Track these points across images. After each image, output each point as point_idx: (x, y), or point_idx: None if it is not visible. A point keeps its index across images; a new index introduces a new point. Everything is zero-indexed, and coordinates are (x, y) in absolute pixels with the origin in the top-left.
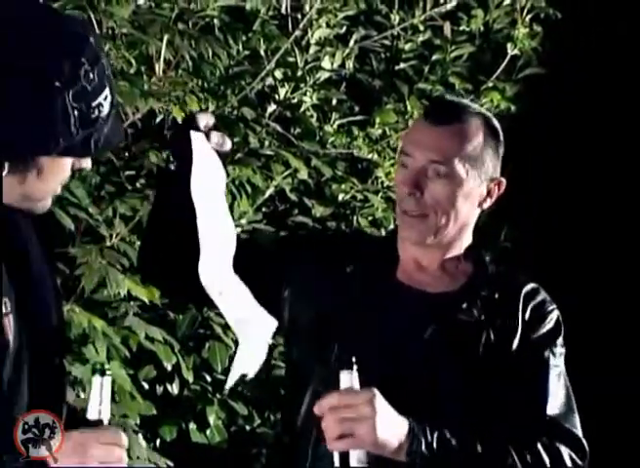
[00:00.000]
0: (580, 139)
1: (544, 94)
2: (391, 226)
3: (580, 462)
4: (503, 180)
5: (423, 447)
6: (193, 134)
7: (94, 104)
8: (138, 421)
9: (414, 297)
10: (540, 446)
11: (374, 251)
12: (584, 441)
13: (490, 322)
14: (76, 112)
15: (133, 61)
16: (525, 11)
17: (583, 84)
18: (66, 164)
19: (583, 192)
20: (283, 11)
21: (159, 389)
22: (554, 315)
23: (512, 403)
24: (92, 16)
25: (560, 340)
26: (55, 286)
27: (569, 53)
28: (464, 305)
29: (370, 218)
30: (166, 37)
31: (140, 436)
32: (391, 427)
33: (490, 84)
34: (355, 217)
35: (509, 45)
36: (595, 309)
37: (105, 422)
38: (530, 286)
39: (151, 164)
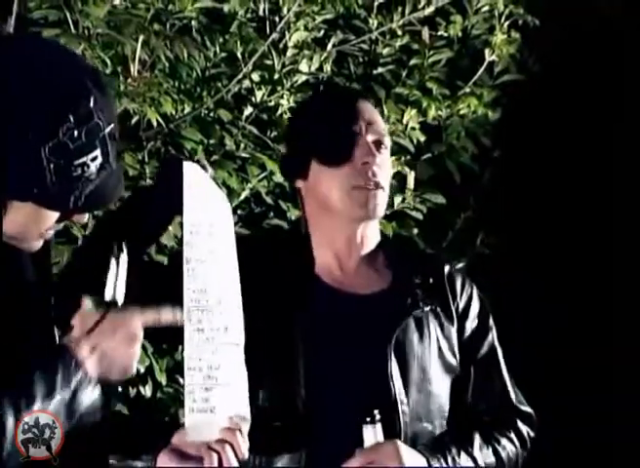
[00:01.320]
0: (558, 146)
1: (522, 100)
2: None
3: (532, 435)
4: None
5: None
6: (187, 164)
7: (76, 163)
8: None
9: (351, 302)
10: (512, 433)
11: (292, 256)
12: (530, 409)
13: (432, 308)
14: (52, 165)
15: (108, 62)
16: (503, 17)
17: (561, 91)
18: (48, 213)
19: (562, 198)
20: (261, 13)
21: (132, 391)
22: (474, 291)
23: (480, 396)
24: (68, 15)
25: (489, 313)
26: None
27: (547, 59)
28: (409, 301)
29: None
30: (141, 37)
31: None
32: None
33: (467, 89)
34: None
35: (487, 51)
36: (576, 316)
37: (120, 302)
38: (446, 266)
39: (126, 165)
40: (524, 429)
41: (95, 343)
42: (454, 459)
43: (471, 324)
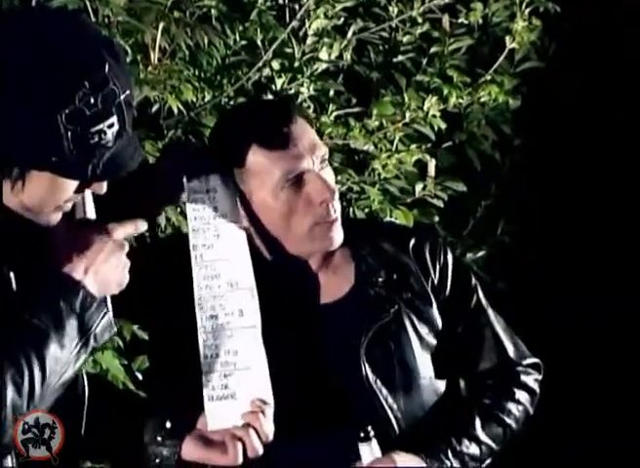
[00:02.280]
0: (579, 133)
1: (543, 88)
2: (387, 218)
3: (540, 379)
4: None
5: None
6: (187, 147)
7: (93, 130)
8: None
9: (312, 314)
10: (517, 391)
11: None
12: (536, 359)
13: (405, 301)
14: (70, 133)
15: (128, 50)
16: (524, 4)
17: (582, 78)
18: (66, 183)
19: (584, 186)
20: (280, 1)
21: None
22: (448, 257)
23: (475, 360)
24: (88, 4)
25: (469, 274)
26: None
27: (567, 46)
28: (373, 307)
29: (366, 210)
30: (161, 25)
31: None
32: None
33: (488, 77)
34: (351, 209)
35: (508, 38)
36: (597, 309)
37: (93, 218)
38: (412, 240)
39: (146, 153)
40: (529, 379)
41: (87, 261)
42: (454, 450)
43: (450, 294)
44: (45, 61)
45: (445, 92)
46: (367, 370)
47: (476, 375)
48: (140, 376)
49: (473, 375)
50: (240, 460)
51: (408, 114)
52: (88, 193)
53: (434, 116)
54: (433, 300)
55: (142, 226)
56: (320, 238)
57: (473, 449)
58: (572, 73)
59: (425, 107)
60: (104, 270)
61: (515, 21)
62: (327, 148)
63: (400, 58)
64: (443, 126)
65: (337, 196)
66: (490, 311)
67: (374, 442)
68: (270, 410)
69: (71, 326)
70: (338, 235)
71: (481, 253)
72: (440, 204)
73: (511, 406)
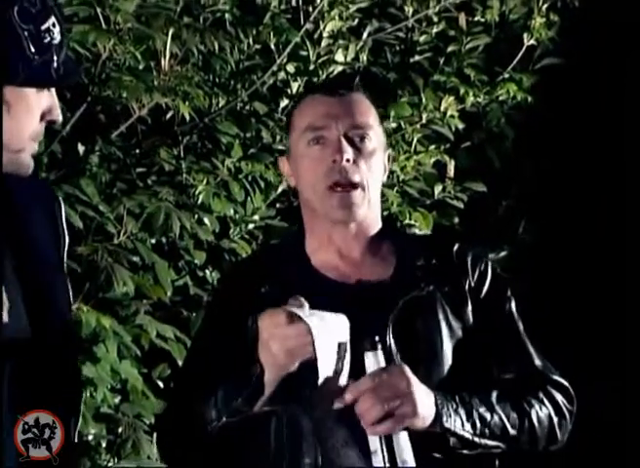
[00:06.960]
0: (600, 130)
1: (562, 84)
2: (407, 221)
3: (571, 408)
4: (392, 153)
5: (452, 411)
6: None
7: (43, 28)
8: (153, 421)
9: (355, 291)
10: (542, 395)
11: (289, 261)
12: (564, 380)
13: (436, 288)
14: (27, 33)
15: (139, 57)
16: (541, 0)
17: (601, 73)
18: (33, 105)
19: (606, 185)
20: (294, 3)
21: None
22: (489, 266)
23: (501, 364)
24: (98, 11)
25: (506, 285)
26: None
27: (586, 42)
28: (409, 283)
29: (385, 213)
30: (171, 31)
31: (155, 436)
32: (426, 397)
33: (506, 75)
34: None
35: (526, 35)
36: (620, 307)
37: None
38: (455, 246)
39: (162, 160)
40: (557, 396)
41: None
42: (463, 399)
43: (486, 298)
44: None
45: (462, 91)
46: (391, 342)
47: (500, 380)
48: (161, 384)
49: (497, 380)
50: None
51: (425, 115)
52: None
53: (452, 116)
54: (469, 300)
55: None
56: (335, 204)
57: (483, 411)
58: (592, 69)
59: (443, 107)
60: None
61: (533, 18)
62: (374, 131)
63: (417, 58)
64: (461, 126)
65: (364, 170)
66: (520, 324)
67: (380, 352)
68: None
69: None
70: (353, 207)
71: (503, 254)
72: (460, 205)
73: (534, 402)
